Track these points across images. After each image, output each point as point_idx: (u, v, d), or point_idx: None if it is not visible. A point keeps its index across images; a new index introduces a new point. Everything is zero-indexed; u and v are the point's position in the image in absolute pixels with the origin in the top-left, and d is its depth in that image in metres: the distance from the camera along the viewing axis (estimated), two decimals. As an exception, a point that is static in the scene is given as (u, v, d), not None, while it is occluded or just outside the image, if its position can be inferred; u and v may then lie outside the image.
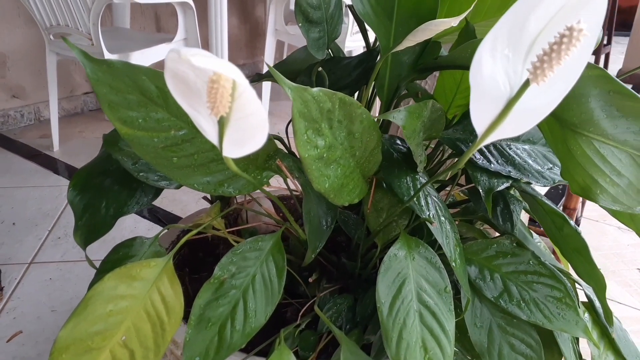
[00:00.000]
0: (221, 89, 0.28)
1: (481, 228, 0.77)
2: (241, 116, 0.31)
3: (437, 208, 0.58)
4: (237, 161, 0.55)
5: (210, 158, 0.53)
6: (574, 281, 0.69)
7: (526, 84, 0.30)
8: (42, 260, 1.51)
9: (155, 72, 0.48)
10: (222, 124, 0.32)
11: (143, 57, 2.02)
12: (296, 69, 0.77)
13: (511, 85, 0.31)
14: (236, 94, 0.30)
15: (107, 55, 1.91)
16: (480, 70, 0.29)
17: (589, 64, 0.47)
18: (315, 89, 0.43)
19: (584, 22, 0.27)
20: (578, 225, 1.80)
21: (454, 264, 0.55)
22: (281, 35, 2.51)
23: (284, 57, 3.22)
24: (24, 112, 2.48)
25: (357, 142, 0.52)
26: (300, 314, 0.65)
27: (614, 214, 0.63)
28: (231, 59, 3.39)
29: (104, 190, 0.63)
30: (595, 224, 1.93)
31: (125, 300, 0.52)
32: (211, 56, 0.26)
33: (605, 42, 3.92)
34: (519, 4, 0.29)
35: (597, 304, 0.66)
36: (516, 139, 0.66)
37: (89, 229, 0.62)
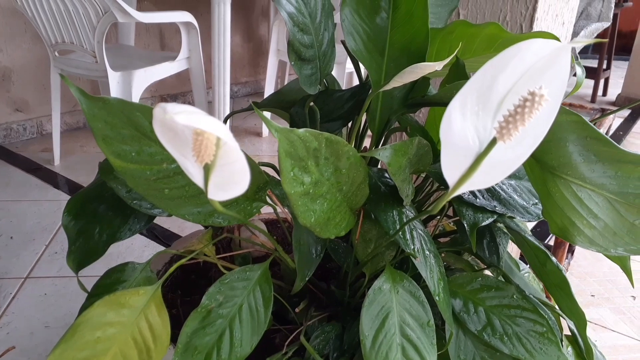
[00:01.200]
0: (205, 141, 0.30)
1: (469, 259, 0.78)
2: (225, 163, 0.33)
3: (422, 242, 0.59)
4: (228, 193, 0.56)
5: (201, 190, 0.54)
6: (558, 315, 0.70)
7: (493, 141, 0.31)
8: (38, 275, 1.52)
9: (149, 109, 0.49)
10: (207, 169, 0.34)
11: (146, 75, 2.05)
12: (291, 99, 0.79)
13: (480, 141, 0.32)
14: (221, 142, 0.32)
15: (111, 73, 1.94)
16: (450, 126, 0.31)
17: (566, 110, 0.49)
18: (301, 130, 0.45)
19: (546, 86, 0.29)
20: (573, 252, 1.81)
21: (437, 297, 0.56)
22: (283, 55, 2.54)
23: (286, 76, 3.26)
24: (26, 126, 2.51)
25: (344, 177, 0.53)
26: (287, 342, 0.66)
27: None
28: (234, 76, 3.43)
29: (98, 216, 0.64)
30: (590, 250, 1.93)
31: (113, 327, 0.53)
32: (195, 112, 0.28)
33: (605, 66, 3.96)
34: (487, 66, 0.31)
35: (580, 339, 0.67)
36: (502, 174, 0.67)
37: (82, 254, 0.64)
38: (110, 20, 1.82)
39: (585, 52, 5.68)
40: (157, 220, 1.88)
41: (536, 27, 0.93)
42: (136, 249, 1.69)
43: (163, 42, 2.98)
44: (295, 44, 0.60)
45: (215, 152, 0.32)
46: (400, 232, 0.57)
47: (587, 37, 1.42)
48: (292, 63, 0.60)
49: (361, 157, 0.54)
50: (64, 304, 1.42)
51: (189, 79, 2.28)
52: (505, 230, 0.72)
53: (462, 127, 0.31)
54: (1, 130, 2.43)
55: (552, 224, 0.52)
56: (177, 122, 0.26)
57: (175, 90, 3.13)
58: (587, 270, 1.83)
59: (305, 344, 0.62)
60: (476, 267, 0.77)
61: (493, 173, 0.33)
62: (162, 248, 1.56)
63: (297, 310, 0.68)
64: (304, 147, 0.46)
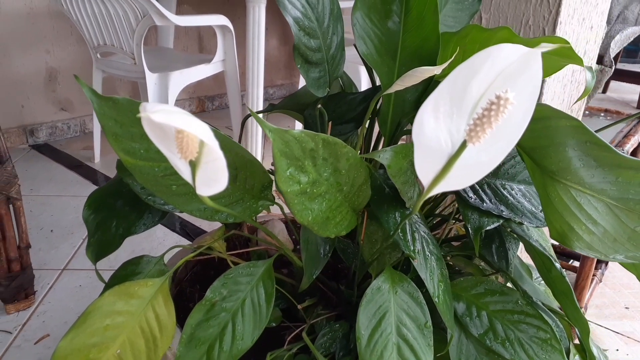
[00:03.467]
0: (186, 139, 0.32)
1: (480, 264, 0.78)
2: (208, 160, 0.35)
3: (424, 243, 0.60)
4: (234, 190, 0.59)
5: (208, 187, 0.57)
6: (568, 323, 0.69)
7: (464, 144, 0.32)
8: (74, 267, 1.59)
9: (157, 108, 0.52)
10: (193, 166, 0.35)
11: (182, 77, 2.11)
12: (306, 102, 0.80)
13: (453, 143, 0.33)
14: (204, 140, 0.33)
15: (148, 74, 2.01)
16: (422, 128, 0.32)
17: (565, 115, 0.49)
18: (296, 131, 0.46)
19: (519, 91, 0.30)
20: (607, 262, 1.75)
21: (436, 299, 0.57)
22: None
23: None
24: (70, 125, 2.62)
25: (343, 178, 0.54)
26: (288, 339, 0.68)
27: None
28: (270, 79, 3.48)
29: (116, 211, 0.68)
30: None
31: (122, 316, 0.56)
32: (174, 112, 0.29)
33: (652, 71, 3.81)
34: (460, 69, 0.31)
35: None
36: (512, 179, 0.67)
37: (100, 246, 0.67)
38: (149, 23, 1.89)
39: (634, 56, 5.47)
40: (189, 217, 1.93)
41: (559, 31, 0.92)
42: (168, 245, 1.74)
43: (201, 44, 3.06)
44: (301, 47, 0.61)
45: (199, 150, 0.34)
46: (400, 233, 0.58)
47: (622, 41, 1.38)
48: (299, 66, 0.62)
49: (361, 159, 0.55)
50: (97, 296, 1.47)
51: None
52: (516, 235, 0.71)
53: (434, 129, 0.32)
54: (47, 129, 2.54)
55: (552, 229, 0.51)
56: (154, 120, 0.28)
57: (213, 92, 3.20)
58: (622, 282, 1.77)
59: (306, 340, 0.63)
60: (487, 272, 0.77)
61: (466, 175, 0.33)
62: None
63: (299, 307, 0.69)
64: (299, 148, 0.48)
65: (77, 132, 2.66)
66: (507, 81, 0.31)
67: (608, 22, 1.44)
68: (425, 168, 0.33)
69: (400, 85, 0.55)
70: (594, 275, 1.61)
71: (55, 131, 2.57)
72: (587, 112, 1.68)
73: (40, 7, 2.37)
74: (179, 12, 2.81)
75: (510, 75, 0.31)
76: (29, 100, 2.47)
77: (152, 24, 1.89)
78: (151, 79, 2.03)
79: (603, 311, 1.62)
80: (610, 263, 1.80)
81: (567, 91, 1.05)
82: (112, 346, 0.55)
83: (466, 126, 0.32)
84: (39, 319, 1.37)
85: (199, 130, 0.30)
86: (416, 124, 0.32)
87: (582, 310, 1.44)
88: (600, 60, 1.42)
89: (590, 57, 1.10)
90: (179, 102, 3.06)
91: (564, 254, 1.75)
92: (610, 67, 1.38)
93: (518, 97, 0.31)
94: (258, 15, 2.20)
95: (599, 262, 1.68)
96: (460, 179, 0.33)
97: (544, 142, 0.49)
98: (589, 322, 0.67)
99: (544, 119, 0.49)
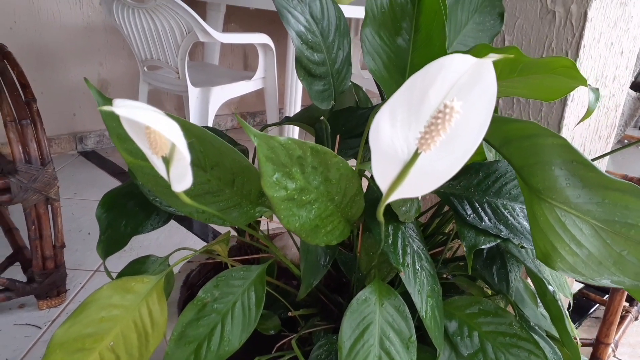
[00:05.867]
0: (153, 135, 0.34)
1: (485, 285, 0.77)
2: (178, 158, 0.37)
3: (417, 258, 0.60)
4: (231, 195, 0.61)
5: (206, 190, 0.59)
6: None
7: (417, 152, 0.32)
8: (106, 270, 1.66)
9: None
10: (166, 163, 0.38)
11: (222, 92, 2.19)
12: (318, 115, 0.82)
13: (409, 151, 0.33)
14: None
15: (190, 88, 2.09)
16: (378, 135, 0.33)
17: (552, 133, 0.48)
18: (283, 138, 0.48)
19: (467, 101, 0.30)
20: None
21: (423, 314, 0.56)
22: (355, 78, 2.59)
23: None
24: (117, 134, 2.74)
25: (334, 187, 0.55)
26: (277, 346, 0.69)
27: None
28: (308, 98, 3.53)
29: (127, 211, 0.71)
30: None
31: (117, 309, 0.58)
32: (139, 108, 0.32)
33: None
34: (415, 78, 0.32)
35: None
36: (514, 200, 0.66)
37: (109, 243, 0.71)
38: (193, 39, 1.97)
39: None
40: (220, 229, 1.97)
41: (584, 54, 0.90)
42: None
43: (246, 62, 3.15)
44: (303, 60, 0.63)
45: (171, 147, 0.36)
46: (391, 246, 0.58)
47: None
48: (301, 78, 0.64)
49: (353, 170, 0.56)
50: (123, 298, 1.52)
51: (266, 98, 2.39)
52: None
53: (390, 136, 0.33)
54: (95, 137, 2.67)
55: (537, 249, 0.51)
56: (119, 114, 0.30)
57: (254, 108, 3.28)
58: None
59: (294, 347, 0.64)
60: (489, 294, 0.75)
61: (424, 183, 0.34)
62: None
63: (291, 313, 0.70)
64: (286, 154, 0.49)
65: (122, 141, 2.78)
66: (461, 92, 0.32)
67: (649, 50, 1.39)
68: (382, 174, 0.34)
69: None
70: (628, 312, 1.54)
71: (102, 139, 2.70)
72: (626, 141, 1.62)
73: (97, 21, 2.51)
74: (225, 30, 2.91)
75: (463, 86, 0.32)
76: (80, 109, 2.60)
77: (196, 39, 1.97)
78: (193, 93, 2.11)
79: (637, 350, 1.54)
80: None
81: (593, 116, 1.03)
82: (106, 338, 0.57)
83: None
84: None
85: (164, 127, 0.32)
86: (372, 130, 0.33)
87: (612, 347, 1.37)
88: (638, 87, 1.38)
89: (621, 83, 1.07)
90: (221, 117, 3.15)
91: (598, 289, 1.69)
92: (649, 95, 1.34)
93: (472, 107, 0.32)
94: (299, 35, 2.26)
95: (633, 298, 1.60)
96: (417, 186, 0.34)
97: (531, 160, 0.49)
98: None
99: (532, 136, 0.49)
